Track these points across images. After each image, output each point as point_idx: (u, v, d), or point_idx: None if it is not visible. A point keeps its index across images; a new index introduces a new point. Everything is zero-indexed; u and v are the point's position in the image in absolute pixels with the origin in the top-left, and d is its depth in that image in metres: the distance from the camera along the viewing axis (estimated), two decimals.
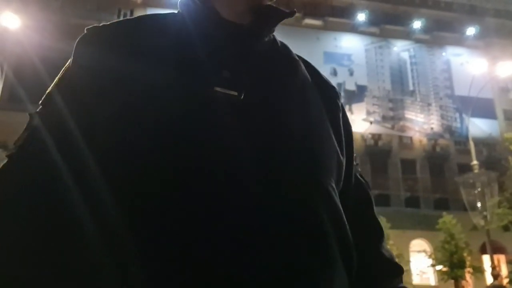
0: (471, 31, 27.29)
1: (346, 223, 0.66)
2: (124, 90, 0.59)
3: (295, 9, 0.70)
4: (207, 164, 0.56)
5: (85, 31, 0.67)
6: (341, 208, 0.66)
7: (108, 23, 0.68)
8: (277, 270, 0.55)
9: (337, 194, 0.67)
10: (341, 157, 0.71)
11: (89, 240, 0.54)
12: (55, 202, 0.56)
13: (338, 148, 0.70)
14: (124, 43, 0.64)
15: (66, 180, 0.56)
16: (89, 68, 0.62)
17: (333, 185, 0.66)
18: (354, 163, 0.79)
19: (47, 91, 0.65)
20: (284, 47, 0.76)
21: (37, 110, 0.64)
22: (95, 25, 0.68)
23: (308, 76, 0.74)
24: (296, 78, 0.72)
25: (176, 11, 0.72)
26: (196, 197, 0.55)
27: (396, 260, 0.80)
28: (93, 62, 0.63)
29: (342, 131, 0.75)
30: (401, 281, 0.78)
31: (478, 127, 23.47)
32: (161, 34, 0.66)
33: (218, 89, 0.61)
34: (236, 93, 0.61)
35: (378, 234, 0.80)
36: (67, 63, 0.67)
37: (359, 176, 0.80)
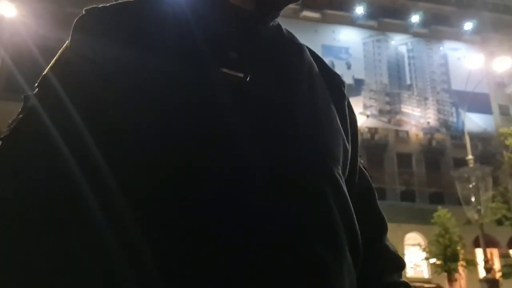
0: (468, 25, 27.24)
1: (353, 212, 0.64)
2: (127, 78, 0.56)
3: None
4: (213, 154, 0.54)
5: (83, 12, 0.63)
6: (348, 197, 0.65)
7: (108, 4, 0.64)
8: (288, 262, 0.53)
9: (344, 182, 0.65)
10: (347, 145, 0.70)
11: (93, 223, 0.51)
12: (55, 185, 0.52)
13: (344, 136, 0.69)
14: (125, 27, 0.60)
15: (67, 163, 0.52)
16: (87, 52, 0.59)
17: (340, 172, 0.65)
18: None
19: (43, 73, 0.61)
20: (289, 33, 0.75)
21: (33, 92, 0.60)
22: (93, 6, 0.64)
23: (314, 62, 0.73)
24: (303, 63, 0.70)
25: None
26: (201, 191, 0.52)
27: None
28: (91, 47, 0.59)
29: (348, 119, 0.74)
30: (401, 276, 0.76)
31: (474, 122, 23.53)
32: (164, 18, 0.62)
33: (224, 70, 0.58)
34: (242, 75, 0.59)
35: (383, 227, 0.78)
36: (64, 45, 0.63)
37: (362, 167, 0.78)
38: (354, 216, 0.64)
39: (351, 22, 26.06)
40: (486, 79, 20.86)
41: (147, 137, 0.54)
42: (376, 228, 0.75)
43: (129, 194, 0.52)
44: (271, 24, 0.70)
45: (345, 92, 0.77)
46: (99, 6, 0.64)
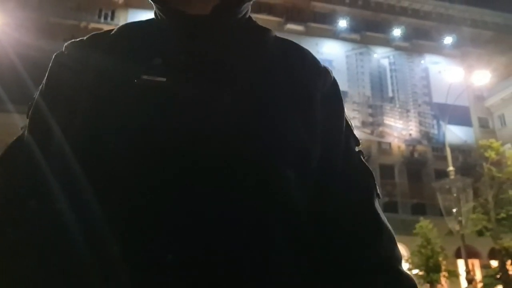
0: (448, 40, 27.94)
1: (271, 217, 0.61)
2: (82, 88, 0.66)
3: None
4: (121, 153, 0.60)
5: (63, 48, 0.73)
6: (270, 196, 0.61)
7: (78, 39, 0.74)
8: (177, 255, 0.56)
9: (287, 180, 0.63)
10: (307, 144, 0.66)
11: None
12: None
13: (304, 133, 0.66)
14: (93, 49, 0.71)
15: (44, 179, 0.63)
16: (64, 70, 0.70)
17: (277, 170, 0.62)
18: (355, 149, 0.75)
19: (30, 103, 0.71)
20: (257, 32, 0.76)
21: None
22: (72, 40, 0.74)
23: (272, 59, 0.72)
24: (249, 62, 0.69)
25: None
26: (116, 179, 0.60)
27: (399, 265, 0.68)
28: (68, 65, 0.70)
29: (319, 115, 0.69)
30: None
31: (455, 134, 23.94)
32: (112, 45, 0.71)
33: (145, 77, 0.64)
34: (164, 79, 0.63)
35: (369, 230, 0.70)
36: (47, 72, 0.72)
37: (356, 164, 0.74)
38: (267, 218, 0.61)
39: (334, 35, 26.45)
40: (466, 92, 21.32)
41: (86, 142, 0.63)
42: (362, 232, 0.70)
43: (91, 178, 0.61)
44: (230, 23, 0.72)
45: (326, 86, 0.74)
46: (78, 39, 0.74)
